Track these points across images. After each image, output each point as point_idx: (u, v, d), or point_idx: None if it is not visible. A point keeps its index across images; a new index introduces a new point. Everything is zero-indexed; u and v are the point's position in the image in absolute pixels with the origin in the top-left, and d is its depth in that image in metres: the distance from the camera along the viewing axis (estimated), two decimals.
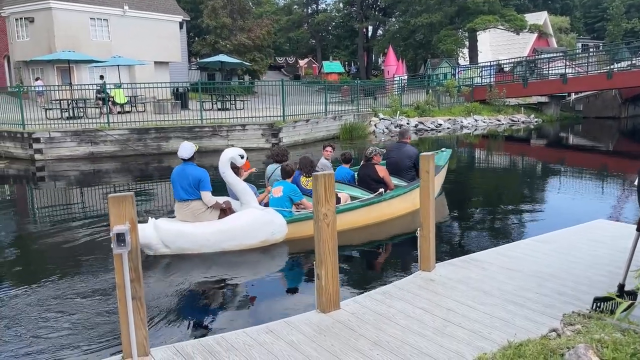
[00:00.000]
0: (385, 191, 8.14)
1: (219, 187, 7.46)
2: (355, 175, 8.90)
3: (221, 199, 7.03)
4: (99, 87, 20.55)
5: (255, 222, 6.73)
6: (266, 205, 7.32)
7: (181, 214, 6.86)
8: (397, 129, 24.12)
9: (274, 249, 6.89)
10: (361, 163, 8.85)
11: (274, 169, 8.22)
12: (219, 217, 6.86)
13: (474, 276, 4.92)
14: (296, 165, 7.89)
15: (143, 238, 6.26)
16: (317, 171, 7.54)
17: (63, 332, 4.65)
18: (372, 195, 8.02)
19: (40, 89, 22.47)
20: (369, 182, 8.31)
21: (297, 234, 6.98)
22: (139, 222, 6.55)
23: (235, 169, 7.01)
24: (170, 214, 8.18)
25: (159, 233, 6.55)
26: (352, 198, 8.08)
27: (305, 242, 6.62)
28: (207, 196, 6.74)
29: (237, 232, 6.66)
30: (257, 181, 9.39)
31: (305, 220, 6.99)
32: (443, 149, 10.89)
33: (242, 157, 6.95)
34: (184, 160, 6.81)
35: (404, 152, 9.03)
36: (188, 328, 4.71)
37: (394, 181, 8.58)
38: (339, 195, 7.72)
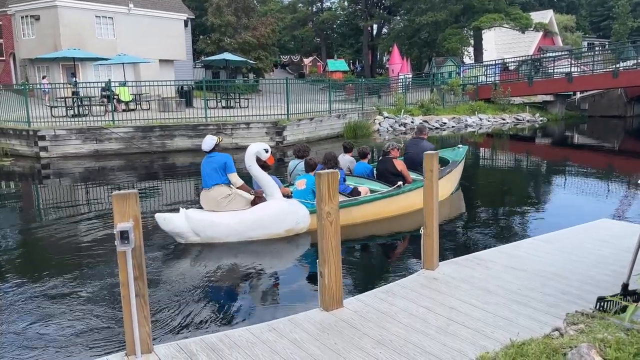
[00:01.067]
0: (403, 184, 8.42)
1: (245, 180, 7.60)
2: (374, 170, 9.15)
3: (243, 194, 7.32)
4: (104, 85, 20.61)
5: (280, 212, 7.05)
6: (289, 197, 7.62)
7: (205, 201, 7.16)
8: (402, 128, 24.10)
9: (298, 238, 7.19)
10: (379, 158, 9.12)
11: (296, 164, 8.60)
12: (252, 204, 7.19)
13: (478, 275, 4.91)
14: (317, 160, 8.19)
15: (175, 227, 6.89)
16: (340, 167, 8.34)
17: (67, 328, 4.68)
18: (391, 188, 8.26)
19: (46, 87, 22.55)
20: (388, 175, 8.58)
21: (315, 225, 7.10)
22: (171, 212, 7.11)
23: (260, 162, 7.23)
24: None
25: (189, 222, 6.91)
26: (372, 191, 8.30)
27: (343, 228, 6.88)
28: (234, 177, 7.10)
29: (263, 221, 6.99)
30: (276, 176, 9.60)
31: None
32: (459, 145, 11.22)
33: (266, 152, 7.23)
34: (207, 152, 7.18)
35: (422, 147, 9.17)
36: (191, 324, 4.73)
37: (412, 175, 8.80)
38: (359, 189, 8.15)
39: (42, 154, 16.10)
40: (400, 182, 8.38)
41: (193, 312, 5.01)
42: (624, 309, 3.24)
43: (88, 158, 16.13)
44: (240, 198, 7.18)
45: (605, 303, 3.60)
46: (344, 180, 8.28)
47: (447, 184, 9.57)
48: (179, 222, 6.90)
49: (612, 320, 2.99)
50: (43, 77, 25.79)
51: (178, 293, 5.47)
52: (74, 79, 23.04)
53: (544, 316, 3.96)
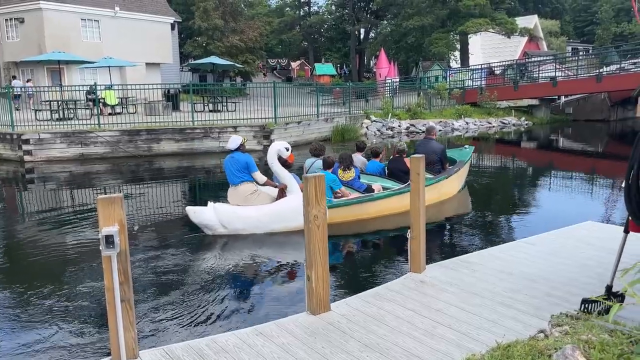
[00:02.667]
0: None
1: (267, 176, 8.09)
2: (385, 169, 9.64)
3: (267, 190, 7.87)
4: (89, 88, 20.43)
5: (300, 206, 7.06)
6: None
7: (233, 197, 7.71)
8: (389, 131, 24.20)
9: (345, 224, 7.74)
10: (391, 157, 9.66)
11: (312, 162, 9.04)
12: (277, 198, 7.73)
13: (464, 278, 4.94)
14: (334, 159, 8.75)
15: (204, 219, 7.46)
16: (355, 166, 8.97)
17: (51, 333, 4.62)
18: (403, 185, 8.53)
19: (30, 90, 22.31)
20: (400, 174, 9.00)
21: (337, 219, 7.66)
22: (200, 205, 7.69)
23: (282, 160, 7.68)
24: (162, 215, 8.20)
25: (217, 215, 7.43)
26: (384, 189, 8.78)
27: (344, 226, 7.82)
28: (258, 175, 7.64)
29: (285, 215, 7.47)
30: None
31: (344, 206, 7.98)
32: (466, 146, 11.78)
33: (287, 150, 7.72)
34: (232, 150, 7.72)
35: (431, 147, 9.76)
36: (178, 329, 4.69)
37: None
38: (373, 186, 8.73)
39: (26, 157, 15.91)
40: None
41: (180, 317, 4.97)
42: (607, 311, 3.27)
43: (73, 162, 15.97)
44: (264, 194, 7.74)
45: (590, 304, 3.64)
46: (359, 177, 8.84)
47: (455, 182, 10.22)
48: (208, 215, 7.42)
49: (596, 322, 3.02)
50: (27, 81, 25.49)
51: (169, 295, 5.43)
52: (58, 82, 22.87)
53: (529, 318, 3.99)
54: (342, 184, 8.39)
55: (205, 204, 7.60)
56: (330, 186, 7.86)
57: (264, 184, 7.74)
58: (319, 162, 8.76)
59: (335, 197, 8.02)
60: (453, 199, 9.94)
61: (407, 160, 8.81)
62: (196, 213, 7.52)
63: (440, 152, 9.78)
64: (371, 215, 8.27)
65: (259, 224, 7.43)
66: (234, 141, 7.75)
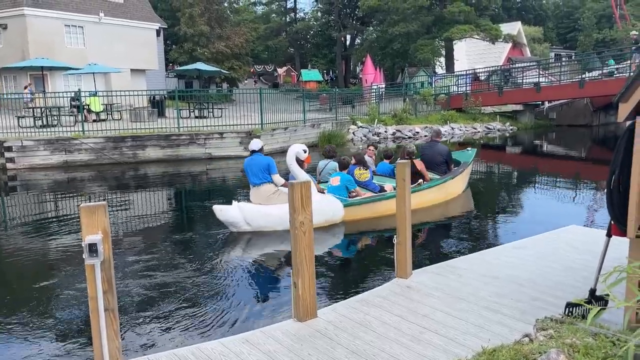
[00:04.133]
0: (422, 182, 9.53)
1: (285, 177, 8.54)
2: (394, 170, 9.85)
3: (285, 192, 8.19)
4: (73, 95, 20.24)
5: (319, 205, 7.78)
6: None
7: (255, 196, 8.11)
8: (375, 137, 24.27)
9: (334, 228, 8.17)
10: (400, 158, 9.91)
11: (325, 164, 9.57)
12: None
13: (451, 283, 4.96)
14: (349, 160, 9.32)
15: (229, 217, 7.88)
16: (368, 166, 9.52)
17: (33, 344, 4.54)
18: (412, 186, 8.94)
19: (29, 96, 22.12)
20: (410, 174, 9.14)
21: (352, 216, 8.39)
22: (225, 204, 8.07)
23: (299, 161, 7.98)
24: (146, 222, 8.13)
25: (242, 213, 7.85)
26: (394, 189, 8.82)
27: (359, 223, 8.41)
28: (277, 177, 8.05)
29: None
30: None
31: (359, 205, 8.52)
32: (468, 148, 12.41)
33: (305, 152, 8.00)
34: (254, 151, 8.10)
35: (437, 149, 10.44)
36: (163, 338, 4.64)
37: (429, 175, 9.90)
38: (385, 186, 9.28)
39: (9, 165, 15.69)
40: (420, 180, 9.42)
41: (165, 325, 4.92)
42: (592, 315, 3.30)
43: (57, 169, 15.79)
44: (284, 194, 8.01)
45: (574, 308, 3.68)
46: (372, 178, 9.40)
47: (460, 183, 10.78)
48: (234, 213, 7.84)
49: (580, 326, 3.04)
50: (25, 87, 25.11)
51: (154, 302, 5.38)
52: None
53: (515, 322, 4.02)
54: (357, 185, 8.95)
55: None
56: (346, 186, 8.60)
57: (282, 185, 8.09)
58: (332, 164, 9.38)
59: (350, 197, 8.64)
60: (458, 198, 10.52)
61: (416, 162, 9.59)
62: (222, 211, 7.90)
63: (445, 154, 10.43)
64: (383, 213, 8.63)
65: (280, 221, 7.74)
66: (255, 143, 8.16)
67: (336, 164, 9.28)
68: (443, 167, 10.33)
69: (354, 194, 8.75)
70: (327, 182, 9.17)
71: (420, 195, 9.17)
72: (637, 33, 36.80)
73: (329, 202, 8.18)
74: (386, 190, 9.11)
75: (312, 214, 7.43)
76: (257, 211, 7.90)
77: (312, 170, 9.28)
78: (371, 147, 11.04)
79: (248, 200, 8.32)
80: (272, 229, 7.90)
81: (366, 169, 9.35)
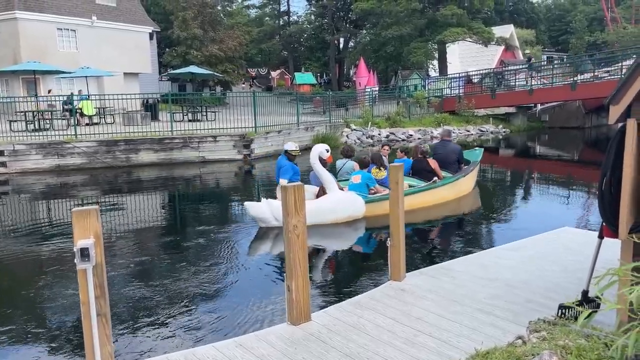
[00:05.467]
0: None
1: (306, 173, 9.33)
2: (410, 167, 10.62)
3: (312, 187, 9.00)
4: (66, 99, 20.15)
5: (342, 202, 8.58)
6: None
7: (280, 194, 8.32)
8: (369, 140, 24.30)
9: (356, 223, 8.65)
10: (414, 158, 10.57)
11: (343, 163, 10.05)
12: (317, 196, 8.75)
13: (444, 285, 4.96)
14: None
15: (259, 213, 8.36)
16: (385, 165, 9.94)
17: (24, 350, 4.51)
18: (428, 183, 9.76)
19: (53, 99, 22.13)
20: (424, 172, 10.04)
21: (373, 212, 8.83)
22: (255, 201, 8.63)
23: (322, 161, 8.57)
24: (139, 226, 8.10)
25: (271, 209, 8.26)
26: (410, 186, 9.64)
27: (379, 218, 8.52)
28: (283, 181, 8.40)
29: (332, 209, 8.47)
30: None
31: (379, 201, 8.86)
32: (476, 148, 12.99)
33: (327, 151, 8.63)
34: (286, 151, 8.77)
35: (450, 148, 10.94)
36: (156, 343, 4.62)
37: (442, 173, 10.36)
38: None
39: (1, 169, 15.57)
40: (435, 178, 9.89)
41: (159, 330, 4.90)
42: (586, 316, 3.31)
43: (49, 173, 15.70)
44: (309, 192, 8.46)
45: (567, 310, 3.68)
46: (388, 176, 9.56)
47: (470, 181, 11.33)
48: (264, 209, 8.31)
49: (573, 327, 3.05)
50: (49, 91, 24.93)
51: (148, 307, 5.35)
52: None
53: (508, 324, 4.02)
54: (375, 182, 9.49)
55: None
56: (366, 183, 9.15)
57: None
58: (350, 163, 9.89)
59: (369, 194, 9.13)
60: (468, 195, 11.08)
61: (430, 161, 10.17)
62: (253, 207, 8.41)
63: (458, 152, 10.95)
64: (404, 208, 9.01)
65: (308, 216, 7.90)
66: (289, 147, 8.87)
67: (353, 163, 9.83)
68: (455, 165, 10.76)
69: (374, 191, 9.24)
70: (345, 180, 9.64)
71: (434, 192, 9.78)
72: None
73: (351, 199, 8.67)
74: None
75: (337, 210, 8.48)
76: None
77: (329, 170, 9.51)
78: (386, 147, 11.37)
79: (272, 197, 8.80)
80: None
81: (383, 168, 9.76)
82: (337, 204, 8.53)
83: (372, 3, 37.30)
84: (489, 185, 14.22)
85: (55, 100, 21.93)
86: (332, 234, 8.32)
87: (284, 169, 8.60)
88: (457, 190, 10.56)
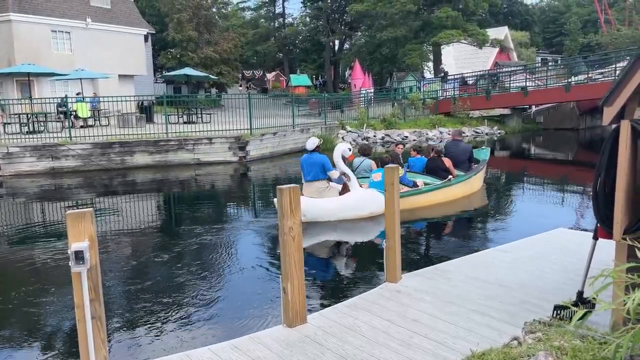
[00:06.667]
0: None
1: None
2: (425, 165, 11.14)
3: (336, 185, 9.24)
4: (60, 101, 20.07)
5: (364, 198, 8.99)
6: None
7: (308, 191, 8.96)
8: (365, 142, 24.31)
9: (377, 218, 8.74)
10: (429, 157, 11.03)
11: (360, 161, 10.36)
12: (341, 193, 9.10)
13: (440, 286, 4.97)
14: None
15: None
16: (402, 163, 10.54)
17: (20, 353, 4.48)
18: (444, 181, 10.28)
19: (96, 100, 22.24)
20: (438, 171, 10.55)
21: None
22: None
23: (344, 159, 8.93)
24: (134, 229, 8.06)
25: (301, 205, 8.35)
26: (425, 184, 10.22)
27: (401, 214, 8.47)
28: (333, 173, 8.96)
29: (355, 205, 8.87)
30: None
31: (400, 198, 8.40)
32: (483, 147, 13.57)
33: (349, 150, 9.05)
34: (309, 151, 8.98)
35: (462, 147, 11.47)
36: (152, 345, 4.60)
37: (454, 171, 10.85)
38: (417, 181, 10.26)
39: None
40: (450, 176, 10.37)
41: (154, 332, 4.88)
42: (580, 316, 3.32)
43: (44, 176, 15.64)
44: (334, 189, 9.11)
45: (562, 311, 3.69)
46: (405, 174, 10.25)
47: (481, 178, 11.87)
48: None
49: (568, 328, 3.06)
50: (94, 94, 24.84)
51: (142, 309, 5.33)
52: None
53: (503, 326, 4.03)
54: None
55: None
56: None
57: (337, 178, 9.08)
58: (367, 161, 10.21)
59: None
60: (477, 192, 11.54)
61: (445, 159, 10.64)
62: None
63: (469, 152, 11.48)
64: (421, 204, 9.77)
65: (333, 212, 8.78)
66: (311, 142, 9.07)
67: (371, 161, 10.20)
68: (466, 164, 11.23)
69: None
70: (364, 177, 9.93)
71: (448, 190, 10.31)
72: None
73: (372, 196, 9.01)
74: (418, 185, 10.11)
75: (360, 206, 8.90)
76: (313, 204, 8.71)
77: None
78: (400, 146, 11.94)
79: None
80: (326, 219, 8.83)
81: (400, 166, 10.06)
82: (360, 201, 8.94)
83: (367, 5, 37.36)
84: (485, 187, 14.24)
85: (99, 102, 22.12)
86: (352, 229, 8.76)
87: (327, 163, 8.90)
88: (470, 188, 11.09)
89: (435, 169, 10.66)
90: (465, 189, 10.89)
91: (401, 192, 9.24)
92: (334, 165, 9.00)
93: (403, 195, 9.25)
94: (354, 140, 24.12)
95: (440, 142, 22.94)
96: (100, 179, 15.23)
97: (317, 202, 8.80)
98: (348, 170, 8.97)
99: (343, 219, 8.85)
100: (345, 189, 9.16)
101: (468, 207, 10.55)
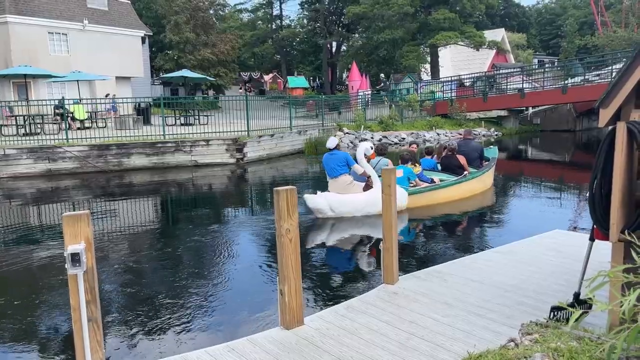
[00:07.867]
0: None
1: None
2: (438, 164, 11.61)
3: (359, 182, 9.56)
4: (57, 103, 20.04)
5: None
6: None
7: (333, 187, 9.38)
8: (380, 142, 24.33)
9: (400, 213, 8.82)
10: (443, 154, 11.53)
11: (378, 160, 10.48)
12: (364, 190, 9.41)
13: (437, 288, 4.97)
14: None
15: (317, 205, 9.17)
16: (419, 161, 10.96)
17: (15, 355, 4.46)
18: (460, 177, 10.76)
19: (113, 102, 22.21)
20: (454, 168, 11.01)
21: (415, 203, 9.76)
22: (311, 194, 9.44)
23: (366, 157, 9.21)
24: (131, 231, 8.03)
25: (328, 201, 9.11)
26: (441, 181, 10.55)
27: (420, 209, 9.79)
28: (357, 167, 9.31)
29: (378, 200, 8.98)
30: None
31: (420, 193, 9.93)
32: (491, 146, 14.19)
33: (371, 149, 9.36)
34: (330, 149, 9.42)
35: (472, 146, 12.04)
36: (148, 347, 4.59)
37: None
38: (434, 179, 10.58)
39: None
40: (466, 173, 10.81)
41: (152, 331, 4.87)
42: (576, 318, 3.32)
43: (40, 178, 15.60)
44: (358, 185, 9.42)
45: (559, 312, 3.70)
46: (422, 171, 10.70)
47: (491, 175, 12.29)
48: (321, 201, 9.15)
49: (565, 330, 3.06)
50: (106, 95, 24.80)
51: (139, 311, 5.32)
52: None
53: (500, 327, 4.03)
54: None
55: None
56: (408, 177, 9.98)
57: (361, 174, 9.40)
58: (384, 160, 10.31)
59: (412, 186, 9.98)
60: (487, 190, 11.92)
61: (459, 157, 11.08)
62: (311, 199, 9.16)
63: (480, 150, 12.08)
64: (441, 200, 10.27)
65: (359, 208, 9.13)
66: (332, 142, 9.48)
67: (388, 160, 10.38)
68: (477, 162, 11.75)
69: (413, 184, 10.09)
70: (380, 177, 10.00)
71: (466, 185, 10.80)
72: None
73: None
74: (435, 182, 10.47)
75: (375, 203, 9.01)
76: (339, 200, 9.13)
77: None
78: (414, 145, 12.34)
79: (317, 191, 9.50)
80: (352, 214, 9.19)
81: (418, 164, 10.63)
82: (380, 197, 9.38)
83: (365, 7, 37.44)
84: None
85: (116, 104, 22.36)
86: (376, 224, 8.76)
87: (349, 158, 9.28)
88: (484, 184, 11.60)
89: (450, 166, 11.10)
90: (479, 185, 11.33)
91: (420, 188, 10.03)
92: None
93: (422, 191, 10.01)
94: (351, 142, 24.13)
95: (438, 143, 22.92)
96: (97, 181, 15.20)
97: (344, 198, 9.19)
98: (369, 168, 9.23)
99: (368, 214, 9.14)
100: (367, 187, 9.42)
101: (466, 208, 10.54)
